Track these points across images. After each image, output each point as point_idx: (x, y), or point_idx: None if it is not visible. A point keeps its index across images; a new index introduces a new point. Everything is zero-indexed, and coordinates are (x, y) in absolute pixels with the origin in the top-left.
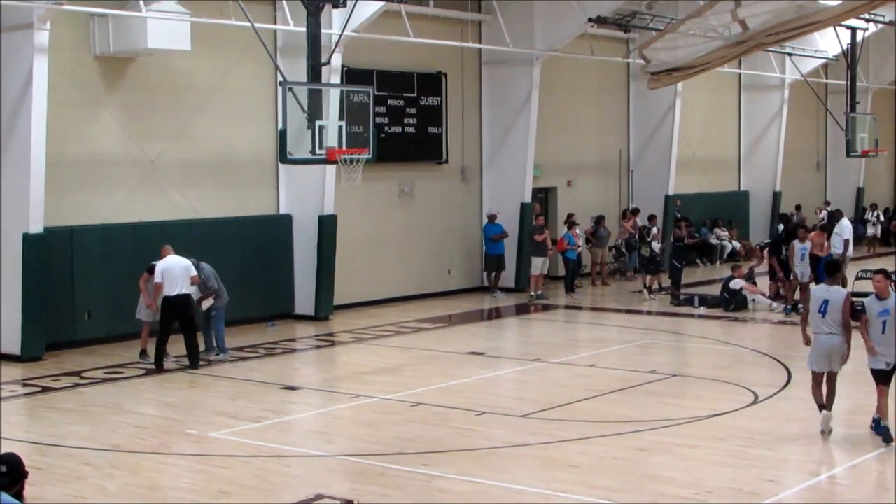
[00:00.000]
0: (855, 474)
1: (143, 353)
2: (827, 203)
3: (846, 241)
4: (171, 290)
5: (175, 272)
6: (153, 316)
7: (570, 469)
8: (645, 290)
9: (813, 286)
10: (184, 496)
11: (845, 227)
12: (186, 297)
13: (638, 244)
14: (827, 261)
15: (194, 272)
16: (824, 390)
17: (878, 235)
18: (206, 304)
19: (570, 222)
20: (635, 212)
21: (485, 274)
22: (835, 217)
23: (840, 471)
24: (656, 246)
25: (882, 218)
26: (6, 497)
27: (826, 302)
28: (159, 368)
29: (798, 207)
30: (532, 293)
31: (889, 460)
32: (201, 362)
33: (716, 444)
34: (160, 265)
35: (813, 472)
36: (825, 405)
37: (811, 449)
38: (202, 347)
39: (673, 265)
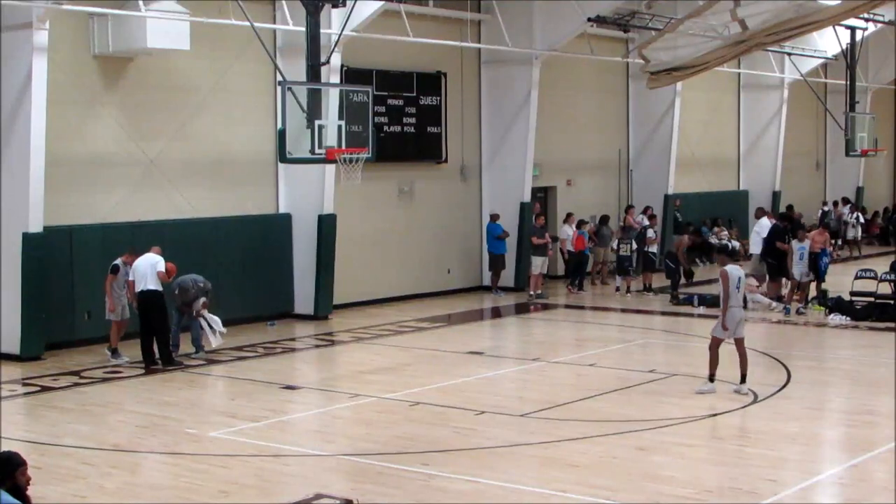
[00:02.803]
0: (854, 474)
1: (114, 350)
2: (835, 202)
3: (764, 240)
4: (138, 286)
5: (140, 268)
6: (120, 315)
7: (569, 468)
8: (621, 290)
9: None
10: (183, 495)
11: (765, 226)
12: (153, 293)
13: (621, 242)
14: (720, 245)
15: (161, 268)
16: (736, 359)
17: (859, 237)
18: (195, 306)
19: (581, 220)
20: (629, 209)
21: (490, 273)
22: (757, 216)
23: (839, 470)
24: (653, 249)
25: (862, 220)
26: (6, 497)
27: (740, 279)
28: (147, 366)
29: (790, 207)
30: (532, 292)
31: (889, 460)
32: (177, 361)
33: (715, 444)
34: (133, 264)
35: (812, 472)
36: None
37: (810, 448)
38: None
39: (668, 266)
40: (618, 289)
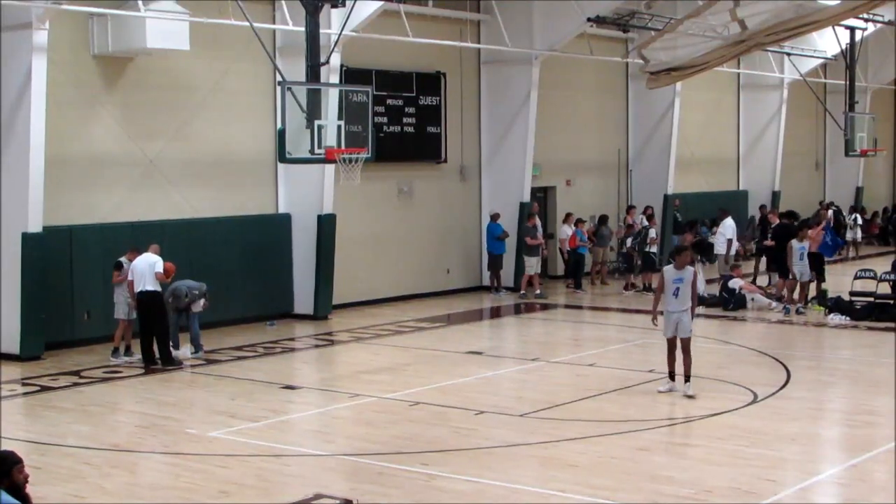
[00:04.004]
0: (854, 474)
1: (115, 350)
2: (829, 204)
3: (729, 241)
4: (137, 286)
5: (139, 269)
6: (127, 314)
7: (568, 468)
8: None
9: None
10: (183, 495)
11: (728, 226)
12: (152, 293)
13: (628, 241)
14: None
15: (159, 269)
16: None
17: (859, 239)
18: (195, 307)
19: (579, 219)
20: (630, 209)
21: (489, 273)
22: (720, 217)
23: (839, 470)
24: (654, 249)
25: (861, 221)
26: (6, 497)
27: (680, 279)
28: (147, 366)
29: (763, 207)
30: (523, 291)
31: (889, 460)
32: (177, 361)
33: (715, 444)
34: (132, 263)
35: (812, 472)
36: (677, 373)
37: (810, 448)
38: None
39: None
40: (629, 287)
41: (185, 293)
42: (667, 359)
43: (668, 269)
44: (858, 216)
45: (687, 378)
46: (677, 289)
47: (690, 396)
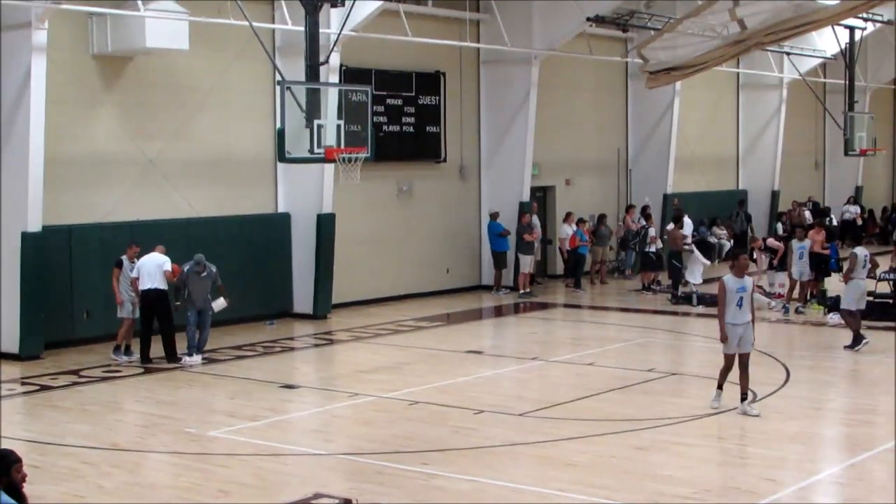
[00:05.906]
0: (853, 473)
1: (117, 348)
2: (809, 202)
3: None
4: (144, 284)
5: (147, 267)
6: (131, 313)
7: (568, 468)
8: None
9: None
10: (182, 495)
11: (686, 225)
12: (160, 291)
13: (635, 243)
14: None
15: (168, 268)
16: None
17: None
18: (217, 306)
19: (580, 219)
20: (629, 209)
21: (494, 272)
22: (676, 215)
23: (838, 470)
24: (654, 249)
25: (837, 222)
26: (5, 497)
27: (743, 288)
28: (144, 363)
29: (741, 203)
30: (522, 291)
31: (889, 460)
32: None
33: (714, 443)
34: (138, 262)
35: (811, 471)
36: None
37: (809, 448)
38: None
39: (673, 265)
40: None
41: (204, 267)
42: (721, 371)
43: (729, 279)
44: (833, 217)
45: (745, 396)
46: (741, 298)
47: (756, 415)
